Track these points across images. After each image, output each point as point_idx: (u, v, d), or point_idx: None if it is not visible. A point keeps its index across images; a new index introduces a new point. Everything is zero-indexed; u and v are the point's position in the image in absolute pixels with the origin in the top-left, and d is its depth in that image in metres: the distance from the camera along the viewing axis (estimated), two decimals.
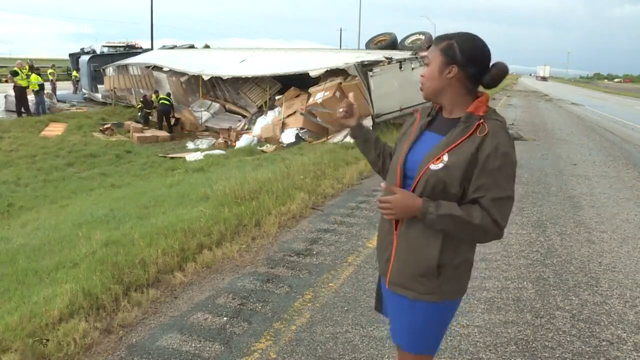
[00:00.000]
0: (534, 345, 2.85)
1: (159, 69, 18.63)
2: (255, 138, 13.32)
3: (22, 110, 17.52)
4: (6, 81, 23.02)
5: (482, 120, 1.56)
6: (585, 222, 5.33)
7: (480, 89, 1.65)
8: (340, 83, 11.94)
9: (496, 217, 1.50)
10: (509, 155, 1.52)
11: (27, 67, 18.28)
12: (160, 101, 16.36)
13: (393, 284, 1.69)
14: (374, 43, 15.34)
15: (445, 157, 1.56)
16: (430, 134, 1.69)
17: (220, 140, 14.15)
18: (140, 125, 16.43)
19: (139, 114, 17.26)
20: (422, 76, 1.70)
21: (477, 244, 1.71)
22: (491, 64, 1.61)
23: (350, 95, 1.96)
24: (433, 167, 1.56)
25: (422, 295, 1.63)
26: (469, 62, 1.59)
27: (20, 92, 17.35)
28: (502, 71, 1.60)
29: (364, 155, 1.98)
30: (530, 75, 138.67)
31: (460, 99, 1.63)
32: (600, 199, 6.41)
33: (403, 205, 1.58)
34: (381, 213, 1.66)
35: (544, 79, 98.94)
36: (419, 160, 1.62)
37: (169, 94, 16.72)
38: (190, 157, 12.06)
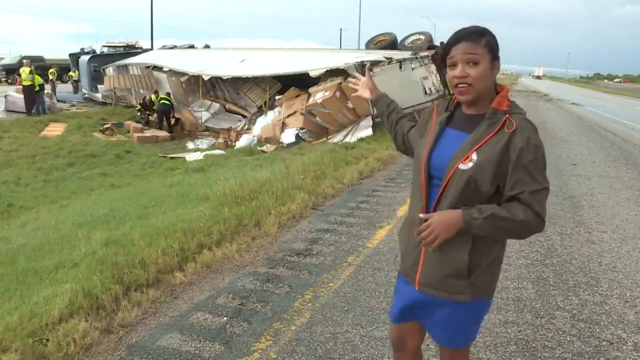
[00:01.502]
0: (534, 345, 2.85)
1: (159, 69, 18.63)
2: (255, 138, 13.32)
3: (30, 109, 17.57)
4: (10, 83, 23.04)
5: (507, 116, 1.54)
6: (585, 222, 5.33)
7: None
8: (340, 83, 11.94)
9: (538, 210, 1.50)
10: (540, 147, 1.53)
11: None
12: (161, 101, 16.36)
13: (423, 285, 1.69)
14: (374, 43, 15.34)
15: (474, 156, 1.54)
16: (452, 132, 1.66)
17: (220, 140, 14.15)
18: (140, 125, 16.43)
19: (139, 114, 17.27)
20: (461, 77, 1.55)
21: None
22: None
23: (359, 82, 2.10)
24: (462, 166, 1.54)
25: (453, 295, 1.64)
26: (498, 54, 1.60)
27: (30, 91, 17.43)
28: None
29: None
30: (529, 75, 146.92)
31: (491, 94, 1.61)
32: (600, 199, 6.41)
33: (444, 223, 1.55)
34: (423, 244, 1.61)
35: (538, 77, 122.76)
36: (444, 160, 1.60)
37: (168, 94, 16.72)
38: (190, 157, 12.05)
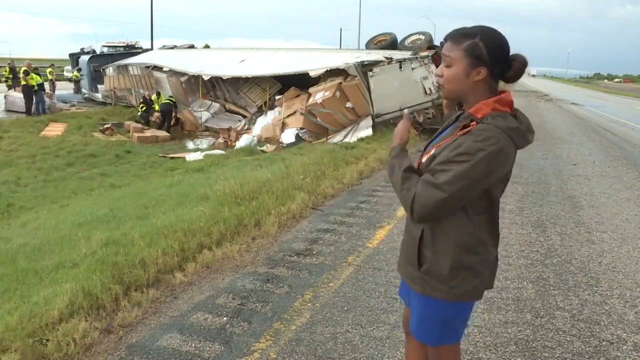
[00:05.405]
0: (534, 345, 2.86)
1: (159, 69, 18.61)
2: (255, 138, 13.31)
3: (30, 109, 17.56)
4: (6, 81, 23.04)
5: (474, 123, 1.49)
6: (585, 222, 5.33)
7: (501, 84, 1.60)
8: (340, 83, 11.94)
9: (417, 194, 1.48)
10: (470, 155, 1.43)
11: (8, 69, 18.30)
12: (163, 101, 16.43)
13: (399, 265, 1.82)
14: (374, 43, 15.33)
15: (433, 151, 1.59)
16: (448, 129, 1.69)
17: (220, 140, 14.14)
18: (140, 125, 16.43)
19: (139, 113, 17.28)
20: (438, 76, 1.59)
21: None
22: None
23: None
24: (423, 160, 1.63)
25: (410, 282, 1.71)
26: (496, 61, 1.50)
27: (29, 91, 17.43)
28: (523, 64, 1.53)
29: None
30: (528, 74, 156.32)
31: (483, 98, 1.55)
32: (600, 199, 6.41)
33: (394, 136, 1.72)
34: None
35: (533, 75, 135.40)
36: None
37: (170, 97, 16.76)
38: (190, 157, 12.05)
